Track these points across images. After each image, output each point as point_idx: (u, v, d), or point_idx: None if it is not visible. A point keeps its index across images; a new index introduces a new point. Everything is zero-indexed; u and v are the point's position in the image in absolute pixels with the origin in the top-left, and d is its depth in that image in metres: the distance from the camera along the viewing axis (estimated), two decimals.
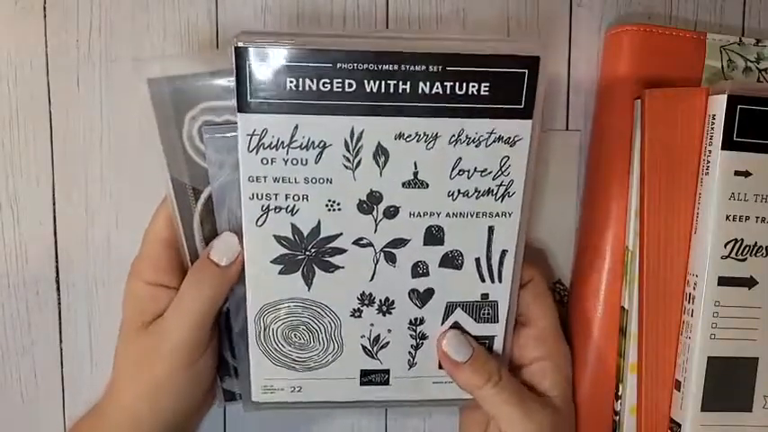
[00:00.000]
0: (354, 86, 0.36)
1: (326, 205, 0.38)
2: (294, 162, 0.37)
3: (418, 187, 0.39)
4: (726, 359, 0.41)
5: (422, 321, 0.42)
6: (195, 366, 0.39)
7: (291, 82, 0.36)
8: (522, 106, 0.37)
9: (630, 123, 0.43)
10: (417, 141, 0.38)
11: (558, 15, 0.45)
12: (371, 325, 0.41)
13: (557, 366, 0.42)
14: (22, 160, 0.44)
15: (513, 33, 0.45)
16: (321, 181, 0.38)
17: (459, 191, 0.39)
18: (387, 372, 0.43)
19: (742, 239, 0.40)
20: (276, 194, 0.38)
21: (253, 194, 0.38)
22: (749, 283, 0.41)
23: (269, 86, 0.36)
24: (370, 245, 0.40)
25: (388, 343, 0.42)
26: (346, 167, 0.38)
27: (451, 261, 0.40)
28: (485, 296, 0.41)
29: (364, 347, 0.42)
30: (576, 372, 0.45)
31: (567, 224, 0.46)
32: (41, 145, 0.44)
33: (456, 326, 0.42)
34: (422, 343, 0.42)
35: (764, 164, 0.40)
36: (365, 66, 0.36)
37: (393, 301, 0.41)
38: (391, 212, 0.39)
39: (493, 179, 0.39)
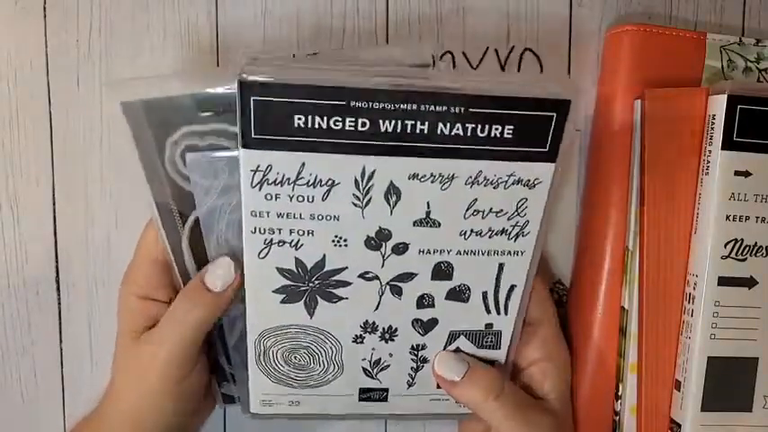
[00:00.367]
0: (368, 125, 0.33)
1: (333, 241, 0.36)
2: (300, 199, 0.35)
3: (430, 226, 0.36)
4: (726, 359, 0.41)
5: (423, 347, 0.40)
6: (188, 379, 0.39)
7: (300, 119, 0.33)
8: (547, 149, 0.35)
9: (630, 123, 0.43)
10: (432, 182, 0.35)
11: (558, 15, 0.45)
12: (373, 350, 0.40)
13: (557, 368, 0.42)
14: (22, 160, 0.44)
15: (528, 67, 0.43)
16: (328, 218, 0.36)
17: (472, 230, 0.37)
18: (386, 390, 0.42)
19: (742, 239, 0.40)
20: (280, 229, 0.36)
21: (255, 228, 0.36)
22: (749, 283, 0.41)
23: (275, 123, 0.33)
24: (376, 278, 0.38)
25: (388, 366, 0.41)
26: (355, 205, 0.35)
27: (458, 295, 0.39)
28: (489, 326, 0.40)
29: (365, 369, 0.41)
30: (575, 372, 0.45)
31: (567, 224, 0.46)
32: (41, 145, 0.44)
33: (457, 351, 0.41)
34: (422, 366, 0.41)
35: (764, 164, 0.40)
36: (381, 105, 0.33)
37: (396, 329, 0.40)
38: (400, 249, 0.37)
39: (508, 219, 0.37)
